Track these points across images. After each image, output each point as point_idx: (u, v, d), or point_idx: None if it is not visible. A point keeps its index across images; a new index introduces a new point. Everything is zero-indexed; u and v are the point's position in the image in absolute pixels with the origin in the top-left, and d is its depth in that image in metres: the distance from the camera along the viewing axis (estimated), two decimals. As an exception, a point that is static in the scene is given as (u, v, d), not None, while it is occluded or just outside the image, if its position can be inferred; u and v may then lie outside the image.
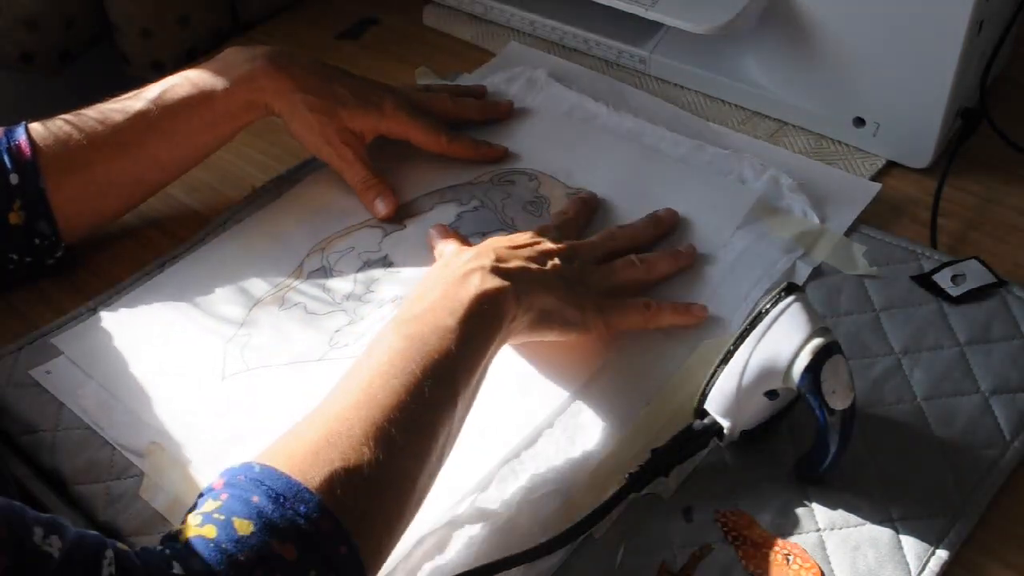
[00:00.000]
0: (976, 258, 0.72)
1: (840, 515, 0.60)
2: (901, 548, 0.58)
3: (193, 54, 1.05)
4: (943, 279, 0.72)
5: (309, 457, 0.51)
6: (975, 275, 0.71)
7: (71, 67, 1.03)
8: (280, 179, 0.87)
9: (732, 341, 0.59)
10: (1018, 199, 0.80)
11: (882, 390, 0.66)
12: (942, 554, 0.58)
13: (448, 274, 0.62)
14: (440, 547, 0.60)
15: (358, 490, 0.51)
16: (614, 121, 0.89)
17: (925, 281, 0.72)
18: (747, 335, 0.58)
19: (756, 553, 0.58)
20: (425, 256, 0.75)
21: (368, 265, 0.78)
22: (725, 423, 0.61)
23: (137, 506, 0.64)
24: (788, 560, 0.58)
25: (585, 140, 0.87)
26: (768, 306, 0.58)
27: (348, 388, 0.56)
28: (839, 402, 0.57)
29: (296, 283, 0.77)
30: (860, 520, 0.59)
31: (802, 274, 0.73)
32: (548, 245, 0.69)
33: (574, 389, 0.67)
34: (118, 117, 0.77)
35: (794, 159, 0.84)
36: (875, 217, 0.78)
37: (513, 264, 0.64)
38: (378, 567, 0.53)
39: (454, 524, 0.61)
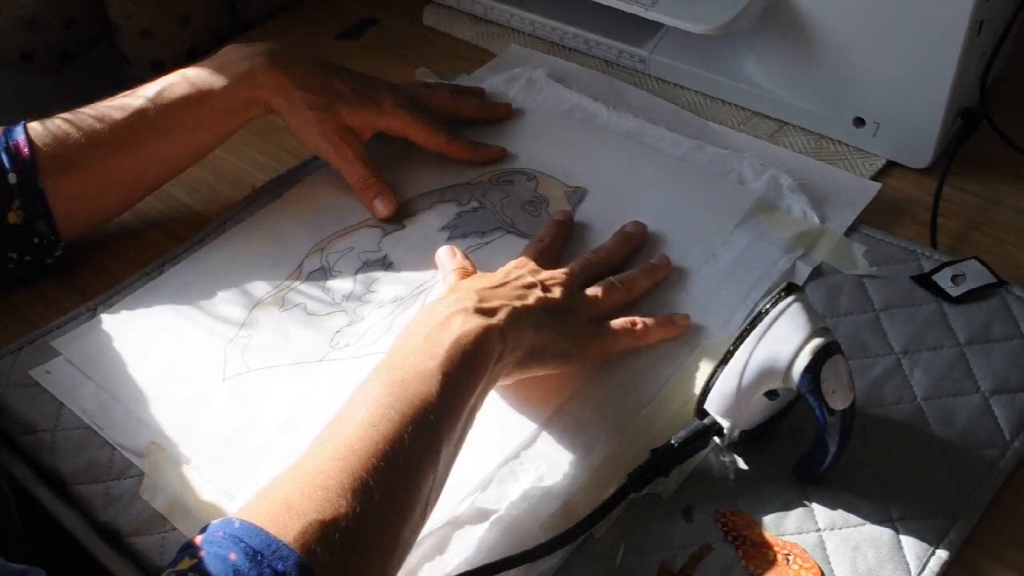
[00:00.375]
0: (976, 258, 0.72)
1: (840, 515, 0.60)
2: (901, 548, 0.58)
3: (193, 54, 1.05)
4: (943, 279, 0.72)
5: (283, 511, 0.49)
6: (975, 275, 0.71)
7: (71, 67, 1.03)
8: (280, 179, 0.87)
9: (732, 341, 0.59)
10: (1018, 199, 0.80)
11: (882, 390, 0.66)
12: (942, 554, 0.58)
13: (430, 319, 0.60)
14: (440, 547, 0.60)
15: (335, 544, 0.49)
16: (614, 121, 0.89)
17: (925, 281, 0.72)
18: (747, 335, 0.58)
19: (756, 553, 0.58)
20: (425, 256, 0.75)
21: (367, 265, 0.78)
22: (725, 423, 0.61)
23: (137, 506, 0.64)
24: (788, 560, 0.58)
25: (584, 140, 0.87)
26: (768, 306, 0.58)
27: (327, 439, 0.54)
28: (839, 402, 0.57)
29: (296, 284, 0.77)
30: (860, 520, 0.59)
31: (802, 274, 0.73)
32: (528, 279, 0.67)
33: (574, 389, 0.67)
34: (116, 115, 0.77)
35: (794, 159, 0.84)
36: (875, 217, 0.78)
37: (495, 303, 0.62)
38: None
39: (454, 524, 0.61)
